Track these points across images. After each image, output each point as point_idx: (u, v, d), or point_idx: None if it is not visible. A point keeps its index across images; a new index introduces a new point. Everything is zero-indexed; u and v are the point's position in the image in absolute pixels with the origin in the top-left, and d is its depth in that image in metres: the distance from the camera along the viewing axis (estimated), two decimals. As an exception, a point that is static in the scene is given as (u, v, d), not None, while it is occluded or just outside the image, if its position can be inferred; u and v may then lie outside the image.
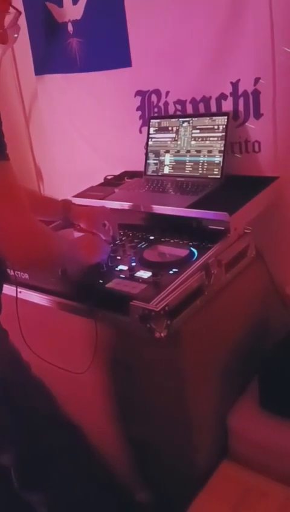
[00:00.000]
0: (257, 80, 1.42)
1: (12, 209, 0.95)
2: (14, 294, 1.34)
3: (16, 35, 1.90)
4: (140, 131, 1.76)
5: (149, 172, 1.66)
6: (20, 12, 1.04)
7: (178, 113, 1.63)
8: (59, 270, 1.26)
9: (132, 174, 1.75)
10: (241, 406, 1.34)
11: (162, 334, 1.05)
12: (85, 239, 1.30)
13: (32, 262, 1.04)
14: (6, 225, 0.95)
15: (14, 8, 1.02)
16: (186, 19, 1.50)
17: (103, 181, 1.81)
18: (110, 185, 1.71)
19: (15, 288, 1.23)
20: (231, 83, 1.47)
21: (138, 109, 1.73)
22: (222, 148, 1.48)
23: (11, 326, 1.26)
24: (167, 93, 1.64)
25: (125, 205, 1.48)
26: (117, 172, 1.83)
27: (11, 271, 1.35)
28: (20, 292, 1.33)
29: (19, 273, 1.32)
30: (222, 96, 1.51)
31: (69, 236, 1.37)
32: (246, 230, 1.34)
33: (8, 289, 1.35)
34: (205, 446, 1.28)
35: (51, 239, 1.08)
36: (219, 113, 1.51)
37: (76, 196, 1.63)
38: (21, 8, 1.89)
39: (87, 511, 1.25)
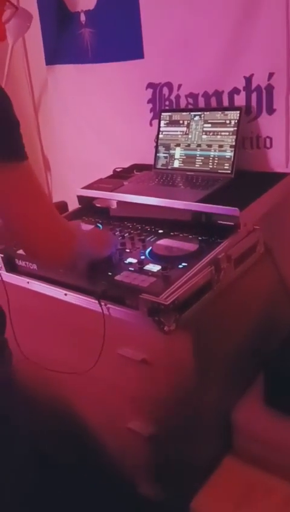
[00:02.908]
0: (271, 75, 1.41)
1: (39, 207, 0.95)
2: (22, 285, 1.35)
3: (28, 24, 1.90)
4: (150, 124, 1.75)
5: (159, 166, 1.66)
6: (16, 8, 1.03)
7: (190, 106, 1.62)
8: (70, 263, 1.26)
9: (141, 167, 1.74)
10: (246, 402, 1.34)
11: (171, 328, 1.05)
12: (94, 232, 1.30)
13: (58, 259, 1.05)
14: (34, 222, 0.95)
15: (11, 3, 1.01)
16: (200, 11, 1.48)
17: (111, 173, 1.80)
18: (119, 177, 1.70)
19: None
20: (245, 77, 1.46)
21: (149, 102, 1.73)
22: (233, 143, 1.47)
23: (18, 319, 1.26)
24: (179, 86, 1.63)
25: (135, 198, 1.47)
26: (126, 165, 1.82)
27: (19, 261, 1.36)
28: (28, 282, 1.33)
29: (27, 263, 1.32)
30: (235, 91, 1.50)
31: (78, 229, 1.37)
32: (255, 227, 1.34)
33: (16, 279, 1.36)
34: (209, 441, 1.29)
35: (75, 236, 1.08)
36: (231, 107, 1.51)
37: (85, 188, 1.63)
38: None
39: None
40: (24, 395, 1.16)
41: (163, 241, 1.32)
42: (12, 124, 0.90)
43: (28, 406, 1.17)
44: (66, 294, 1.25)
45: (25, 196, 0.93)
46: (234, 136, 1.47)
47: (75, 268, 1.23)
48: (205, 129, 1.54)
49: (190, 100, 1.61)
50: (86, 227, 1.45)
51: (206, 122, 1.54)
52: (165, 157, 1.64)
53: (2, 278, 1.28)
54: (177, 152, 1.61)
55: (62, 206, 1.75)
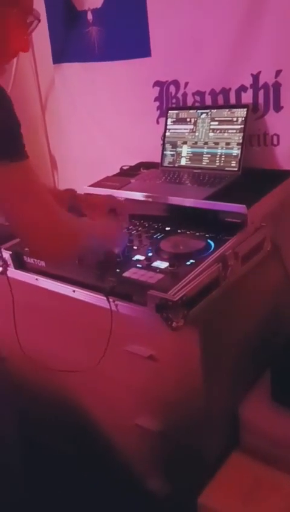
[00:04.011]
0: (278, 72, 1.41)
1: (38, 206, 0.97)
2: (31, 282, 1.35)
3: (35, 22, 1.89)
4: (157, 122, 1.75)
5: (166, 164, 1.66)
6: (39, 21, 1.05)
7: (197, 104, 1.62)
8: (76, 258, 1.27)
9: (148, 165, 1.75)
10: (253, 398, 1.35)
11: (179, 324, 1.05)
12: (105, 225, 1.30)
13: (62, 255, 1.07)
14: (35, 222, 0.97)
15: (34, 16, 1.03)
16: (207, 9, 1.49)
17: (118, 171, 1.81)
18: (126, 175, 1.71)
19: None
20: (252, 74, 1.46)
21: (155, 100, 1.73)
22: (240, 141, 1.48)
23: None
24: (186, 84, 1.63)
25: (142, 196, 1.48)
26: (133, 163, 1.82)
27: (28, 258, 1.36)
28: (36, 279, 1.34)
29: (36, 260, 1.33)
30: (242, 88, 1.50)
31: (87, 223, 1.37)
32: (262, 224, 1.34)
33: (25, 276, 1.37)
34: (216, 436, 1.29)
35: (80, 231, 1.09)
36: (238, 105, 1.51)
37: (92, 185, 1.63)
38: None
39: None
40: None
41: (170, 239, 1.33)
42: (13, 124, 0.92)
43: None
44: (74, 291, 1.26)
45: (26, 195, 0.95)
46: (241, 134, 1.48)
47: (84, 262, 1.24)
48: (212, 127, 1.55)
49: (197, 98, 1.62)
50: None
51: (213, 119, 1.54)
52: (172, 155, 1.65)
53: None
54: (184, 150, 1.62)
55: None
